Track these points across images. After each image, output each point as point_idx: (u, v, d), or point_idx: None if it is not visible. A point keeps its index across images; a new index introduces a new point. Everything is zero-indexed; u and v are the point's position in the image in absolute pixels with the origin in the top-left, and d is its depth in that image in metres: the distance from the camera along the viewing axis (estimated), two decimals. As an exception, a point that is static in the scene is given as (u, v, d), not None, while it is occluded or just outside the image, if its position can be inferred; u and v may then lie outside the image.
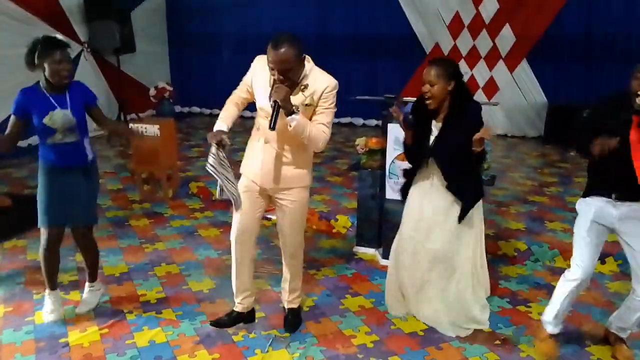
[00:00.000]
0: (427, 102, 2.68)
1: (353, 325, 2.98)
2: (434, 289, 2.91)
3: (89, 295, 3.16)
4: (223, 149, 2.54)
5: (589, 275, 2.54)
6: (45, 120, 2.76)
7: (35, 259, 3.81)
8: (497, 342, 2.83)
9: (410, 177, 2.95)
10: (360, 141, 3.86)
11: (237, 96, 2.71)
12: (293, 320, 2.97)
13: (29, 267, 3.69)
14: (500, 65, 7.72)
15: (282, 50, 2.30)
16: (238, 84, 2.73)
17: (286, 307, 3.00)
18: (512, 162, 6.44)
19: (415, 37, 8.09)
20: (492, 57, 7.74)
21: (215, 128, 2.59)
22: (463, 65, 7.78)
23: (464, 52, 7.86)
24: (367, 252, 3.95)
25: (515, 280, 3.53)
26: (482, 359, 2.69)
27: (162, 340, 2.83)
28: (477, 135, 2.47)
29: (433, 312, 2.94)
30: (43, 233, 2.91)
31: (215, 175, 2.53)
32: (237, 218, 2.75)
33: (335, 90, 2.49)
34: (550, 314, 2.66)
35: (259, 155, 2.63)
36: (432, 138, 2.75)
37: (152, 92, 8.33)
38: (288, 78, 2.36)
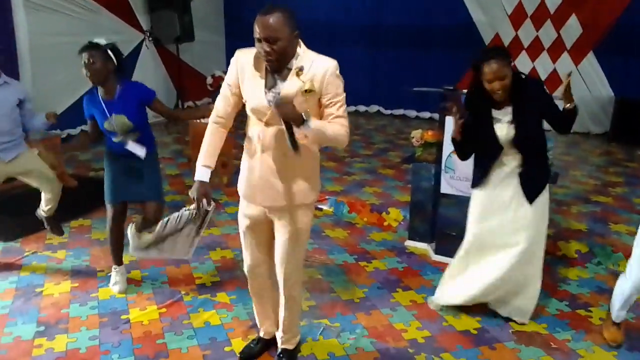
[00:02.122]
0: (500, 94, 2.58)
1: (404, 319, 2.96)
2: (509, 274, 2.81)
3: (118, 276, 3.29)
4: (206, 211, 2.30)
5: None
6: (105, 125, 2.94)
7: (99, 238, 4.03)
8: (554, 345, 2.73)
9: (485, 169, 2.79)
10: (415, 133, 3.81)
11: (223, 110, 2.22)
12: None
13: (93, 246, 3.89)
14: (565, 57, 7.36)
15: (274, 15, 1.94)
16: None
17: (279, 345, 2.59)
18: (573, 159, 6.16)
19: (474, 27, 7.85)
20: (556, 49, 7.39)
21: (199, 173, 2.20)
22: (525, 57, 7.49)
23: (525, 44, 7.55)
24: (419, 246, 3.90)
25: (576, 283, 3.39)
26: (537, 362, 2.61)
27: (216, 322, 2.91)
28: (564, 86, 2.45)
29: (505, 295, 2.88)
30: (108, 210, 3.14)
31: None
32: (246, 253, 2.42)
33: (338, 71, 2.06)
34: (612, 303, 2.71)
35: (254, 169, 2.19)
36: (498, 126, 2.66)
37: (209, 80, 8.47)
38: (277, 52, 1.96)
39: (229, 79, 2.17)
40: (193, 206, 2.31)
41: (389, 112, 8.74)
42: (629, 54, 6.93)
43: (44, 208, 3.56)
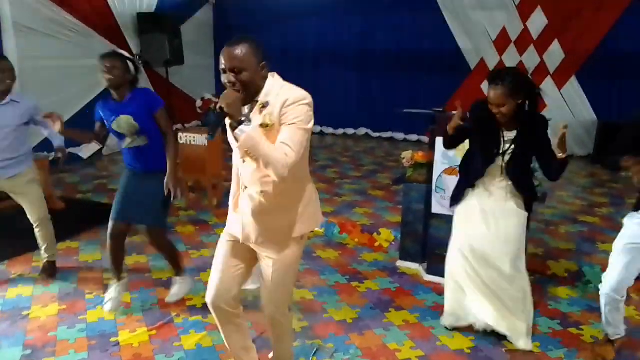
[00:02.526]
0: (498, 118, 2.66)
1: (398, 339, 2.95)
2: (500, 295, 2.84)
3: (175, 287, 3.33)
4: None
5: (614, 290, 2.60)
6: (113, 125, 2.99)
7: (87, 261, 3.97)
8: (548, 364, 2.74)
9: (467, 186, 2.90)
10: (406, 154, 3.85)
11: None
12: None
13: (81, 268, 3.83)
14: (548, 81, 7.56)
15: (238, 46, 1.89)
16: None
17: None
18: (560, 181, 6.23)
19: (460, 52, 8.04)
20: (540, 74, 7.58)
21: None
22: (509, 82, 7.65)
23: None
24: (411, 266, 3.91)
25: (566, 302, 3.41)
26: (532, 380, 2.61)
27: (208, 344, 2.87)
28: (558, 137, 2.50)
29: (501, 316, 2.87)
30: (109, 225, 3.13)
31: None
32: (215, 277, 2.21)
33: (303, 104, 1.90)
34: (602, 322, 2.75)
35: (239, 208, 2.12)
36: (501, 141, 2.73)
37: (199, 103, 8.53)
38: (241, 82, 1.89)
39: None
40: None
41: (377, 134, 8.84)
42: (611, 78, 7.13)
43: (43, 254, 3.65)
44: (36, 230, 3.57)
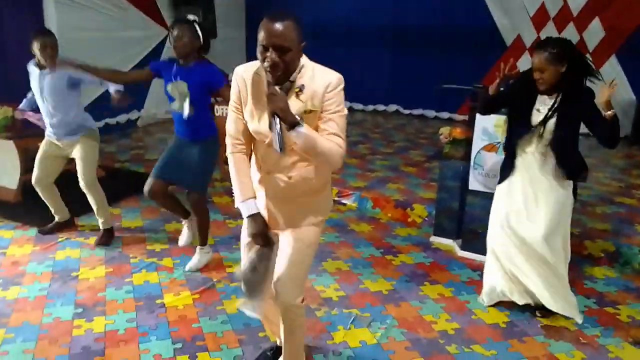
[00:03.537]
0: (539, 83, 2.65)
1: (433, 312, 3.01)
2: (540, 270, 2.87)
3: (197, 257, 3.43)
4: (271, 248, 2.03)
5: None
6: (168, 88, 3.08)
7: (129, 227, 4.12)
8: (583, 340, 2.76)
9: (511, 160, 2.89)
10: (444, 130, 3.85)
11: (237, 133, 2.00)
12: None
13: (124, 234, 3.98)
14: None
15: (283, 22, 1.75)
16: None
17: None
18: (596, 162, 6.14)
19: (495, 29, 7.86)
20: (579, 52, 7.38)
21: (246, 208, 1.97)
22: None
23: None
24: (445, 242, 3.94)
25: (602, 282, 3.41)
26: (568, 356, 2.64)
27: (249, 309, 2.98)
28: (602, 98, 2.49)
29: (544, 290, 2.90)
30: (147, 182, 3.26)
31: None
32: (242, 261, 2.19)
33: (341, 87, 1.87)
34: None
35: (259, 191, 2.05)
36: (534, 113, 2.73)
37: (231, 77, 8.61)
38: (285, 62, 1.78)
39: (234, 99, 1.97)
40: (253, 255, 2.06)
41: (407, 111, 8.77)
42: (652, 58, 6.90)
43: (99, 220, 3.81)
44: (87, 195, 3.72)
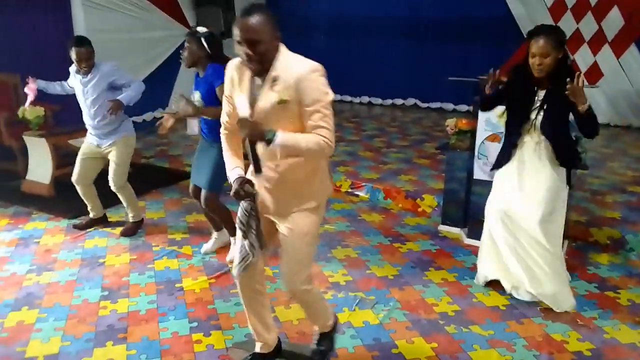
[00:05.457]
0: (538, 70, 2.72)
1: (435, 295, 3.14)
2: (532, 256, 2.96)
3: (232, 246, 3.57)
4: (254, 200, 2.10)
5: None
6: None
7: (152, 218, 4.37)
8: (581, 322, 2.86)
9: (508, 149, 2.98)
10: (450, 122, 3.96)
11: (228, 123, 2.18)
12: (322, 350, 2.47)
13: (148, 224, 4.23)
14: (606, 49, 7.28)
15: (252, 16, 1.85)
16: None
17: (315, 330, 2.50)
18: (612, 152, 6.13)
19: (512, 20, 7.84)
20: (597, 42, 7.31)
21: (232, 175, 2.11)
22: (564, 50, 7.45)
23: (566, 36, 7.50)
24: (452, 230, 4.06)
25: (606, 268, 3.48)
26: (563, 336, 2.74)
27: (261, 292, 3.18)
28: (569, 90, 2.51)
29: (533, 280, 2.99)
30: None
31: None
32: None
33: (316, 75, 1.91)
34: None
35: (253, 177, 2.16)
36: (535, 102, 2.83)
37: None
38: (258, 55, 1.87)
39: (226, 91, 2.12)
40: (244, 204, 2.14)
41: (425, 105, 8.83)
42: (673, 45, 6.80)
43: (129, 215, 4.05)
44: (123, 201, 4.00)
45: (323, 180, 2.20)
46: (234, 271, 2.27)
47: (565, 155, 2.86)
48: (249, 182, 2.09)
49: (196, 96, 3.27)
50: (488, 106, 3.13)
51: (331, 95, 1.96)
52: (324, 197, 2.23)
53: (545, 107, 2.78)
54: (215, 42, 3.24)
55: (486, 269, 3.16)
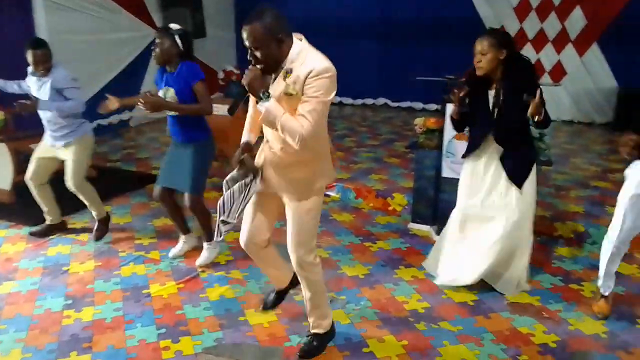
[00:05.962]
0: (478, 68, 2.81)
1: (406, 293, 3.16)
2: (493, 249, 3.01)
3: (204, 252, 3.54)
4: (254, 177, 2.33)
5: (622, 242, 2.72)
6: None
7: (119, 223, 4.27)
8: (546, 315, 2.91)
9: (476, 143, 3.02)
10: (418, 121, 3.99)
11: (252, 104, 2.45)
12: (309, 347, 2.57)
13: (114, 229, 4.12)
14: (569, 49, 7.47)
15: (250, 24, 2.02)
16: None
17: (310, 329, 2.62)
18: (576, 148, 6.30)
19: (479, 20, 7.98)
20: (561, 41, 7.50)
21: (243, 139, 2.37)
22: (529, 49, 7.60)
23: (530, 36, 7.67)
24: (422, 228, 4.09)
25: (570, 261, 3.56)
26: (530, 329, 2.79)
27: (231, 296, 3.14)
28: (531, 108, 2.60)
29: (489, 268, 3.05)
30: (154, 190, 3.51)
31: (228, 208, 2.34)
32: (246, 224, 2.51)
33: (326, 75, 2.03)
34: (599, 274, 2.88)
35: (261, 155, 2.38)
36: (490, 103, 2.89)
37: (221, 75, 8.73)
38: (262, 59, 2.06)
39: None
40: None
41: (396, 104, 8.90)
42: (633, 44, 7.01)
43: (93, 213, 3.93)
44: (76, 194, 3.86)
45: (327, 167, 2.36)
46: (241, 241, 2.54)
47: (518, 147, 2.90)
48: (250, 151, 2.34)
49: (169, 93, 3.19)
50: (461, 128, 3.13)
51: (329, 98, 2.08)
52: (326, 182, 2.40)
53: (496, 107, 2.83)
54: (188, 40, 3.21)
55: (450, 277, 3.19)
